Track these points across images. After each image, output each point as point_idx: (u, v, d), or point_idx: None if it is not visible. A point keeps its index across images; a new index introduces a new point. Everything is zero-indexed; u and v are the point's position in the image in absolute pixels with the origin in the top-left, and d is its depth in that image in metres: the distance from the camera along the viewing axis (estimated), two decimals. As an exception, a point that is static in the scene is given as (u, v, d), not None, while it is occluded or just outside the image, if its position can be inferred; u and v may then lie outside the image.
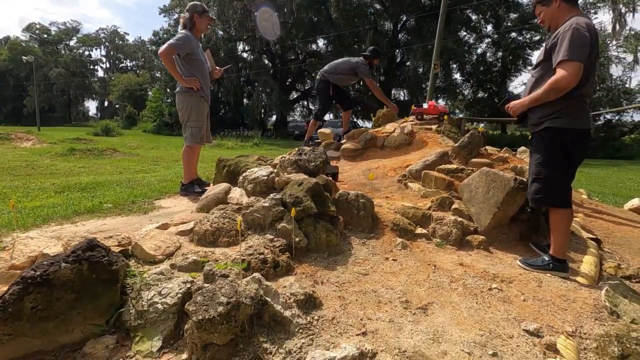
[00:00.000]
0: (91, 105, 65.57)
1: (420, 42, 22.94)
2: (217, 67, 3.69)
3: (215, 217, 2.12)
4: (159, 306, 1.44)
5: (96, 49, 57.74)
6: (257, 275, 1.55)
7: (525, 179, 2.60)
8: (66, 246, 1.73)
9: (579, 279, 2.24)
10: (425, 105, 5.10)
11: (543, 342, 1.54)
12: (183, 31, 3.33)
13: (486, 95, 27.54)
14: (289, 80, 32.21)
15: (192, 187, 3.58)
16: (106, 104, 57.24)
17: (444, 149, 3.85)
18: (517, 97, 2.43)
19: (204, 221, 2.10)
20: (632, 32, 18.55)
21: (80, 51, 56.49)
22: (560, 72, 2.03)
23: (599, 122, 20.23)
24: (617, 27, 17.88)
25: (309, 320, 1.52)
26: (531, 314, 1.75)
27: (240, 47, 32.25)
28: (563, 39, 2.04)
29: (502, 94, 24.40)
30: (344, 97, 5.51)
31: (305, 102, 34.87)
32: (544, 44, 2.27)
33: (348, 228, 2.44)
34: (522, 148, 4.47)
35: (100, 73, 58.58)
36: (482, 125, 5.20)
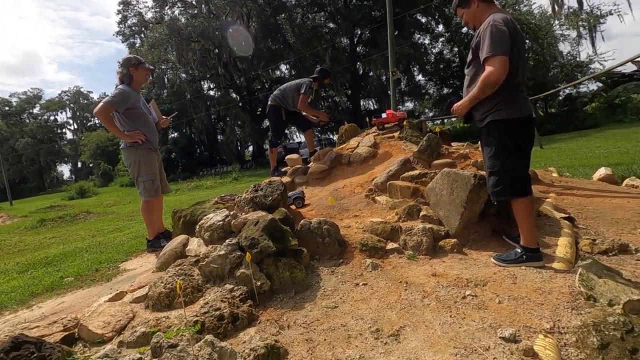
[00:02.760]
0: (65, 169, 63.76)
1: (377, 52, 23.59)
2: (164, 117, 3.63)
3: (170, 277, 1.99)
4: (103, 396, 1.30)
5: (62, 112, 56.89)
6: (209, 337, 1.44)
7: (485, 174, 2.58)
8: None
9: (555, 265, 2.19)
10: (383, 115, 5.13)
11: (521, 347, 1.46)
12: (120, 86, 3.27)
13: (451, 90, 28.35)
14: (259, 109, 32.45)
15: (158, 242, 3.43)
16: (80, 165, 56.07)
17: (407, 155, 3.84)
18: (460, 97, 2.46)
19: (157, 283, 1.97)
20: (571, 10, 19.58)
21: (46, 117, 55.61)
22: (488, 68, 2.08)
23: (560, 98, 20.99)
24: (556, 7, 18.82)
25: (272, 375, 1.41)
26: (507, 316, 1.68)
27: (206, 85, 32.46)
28: (484, 37, 2.10)
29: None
30: (298, 118, 5.45)
31: (279, 128, 34.96)
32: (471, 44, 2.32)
33: (315, 258, 2.34)
34: (483, 140, 4.50)
35: (70, 135, 57.62)
36: (438, 123, 5.24)
